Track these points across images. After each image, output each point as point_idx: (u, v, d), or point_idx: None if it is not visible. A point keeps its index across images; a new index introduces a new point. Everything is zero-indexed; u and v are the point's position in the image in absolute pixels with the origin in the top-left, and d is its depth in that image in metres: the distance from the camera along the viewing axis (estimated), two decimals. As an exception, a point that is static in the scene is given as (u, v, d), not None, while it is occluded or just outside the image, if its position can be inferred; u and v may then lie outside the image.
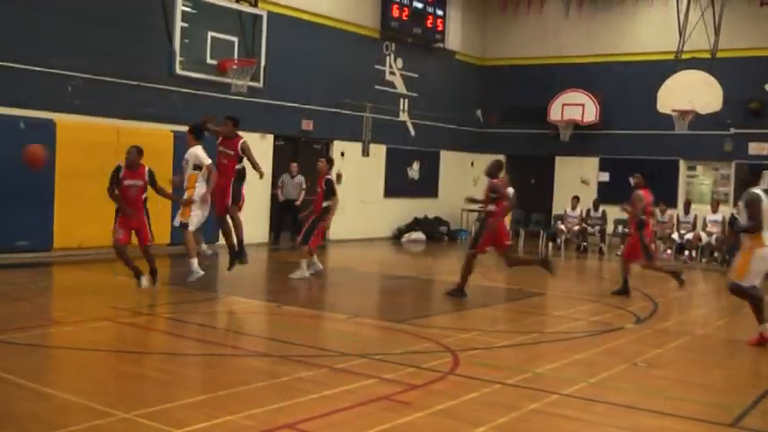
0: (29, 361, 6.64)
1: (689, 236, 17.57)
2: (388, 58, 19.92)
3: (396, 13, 19.38)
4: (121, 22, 13.87)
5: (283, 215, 16.81)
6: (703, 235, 17.55)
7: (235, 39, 15.60)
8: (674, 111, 17.49)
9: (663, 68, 18.07)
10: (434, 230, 20.37)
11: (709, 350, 8.45)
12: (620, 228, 18.50)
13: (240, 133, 11.23)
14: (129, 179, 9.88)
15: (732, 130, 18.77)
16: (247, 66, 15.33)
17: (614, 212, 18.03)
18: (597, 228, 18.90)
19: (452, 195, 20.85)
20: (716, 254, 17.32)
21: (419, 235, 20.21)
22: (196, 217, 10.40)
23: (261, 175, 10.95)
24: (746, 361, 8.09)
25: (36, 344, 7.19)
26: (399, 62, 20.19)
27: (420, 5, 20.14)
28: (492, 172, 10.98)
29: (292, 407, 5.51)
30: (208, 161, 10.39)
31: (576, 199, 19.23)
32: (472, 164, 22.36)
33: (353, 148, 19.11)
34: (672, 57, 18.16)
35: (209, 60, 15.15)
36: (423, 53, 20.75)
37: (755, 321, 8.42)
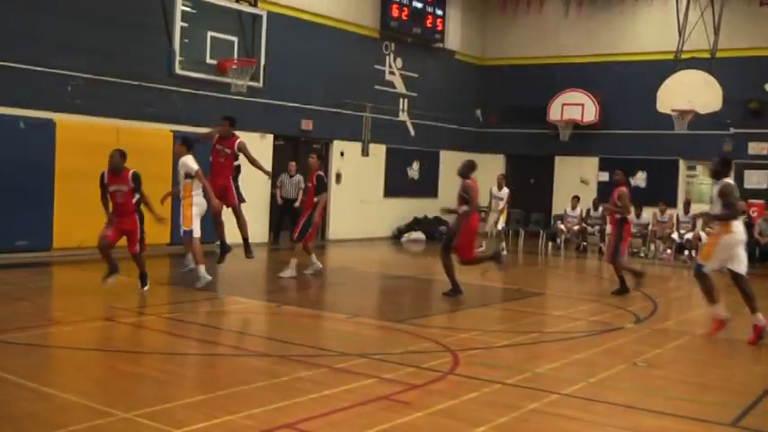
0: (29, 361, 6.64)
1: (689, 236, 17.56)
2: (387, 57, 19.92)
3: (395, 12, 19.38)
4: (121, 22, 13.87)
5: (283, 215, 16.81)
6: (703, 235, 17.52)
7: (234, 38, 15.61)
8: (673, 110, 17.49)
9: (662, 68, 18.07)
10: (434, 230, 20.34)
11: (708, 350, 8.44)
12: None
13: (240, 133, 11.25)
14: (113, 185, 9.58)
15: (732, 130, 18.77)
16: (247, 65, 15.33)
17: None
18: (597, 227, 18.88)
19: (452, 195, 20.53)
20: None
21: (419, 235, 20.21)
22: (198, 224, 10.60)
23: (269, 176, 10.95)
24: (746, 361, 8.08)
25: (36, 344, 7.19)
26: (399, 62, 20.19)
27: (420, 5, 20.15)
28: (464, 172, 10.97)
29: (292, 407, 5.51)
30: (195, 167, 10.51)
31: (575, 199, 19.21)
32: (472, 164, 22.34)
33: (353, 147, 19.11)
34: (671, 56, 18.17)
35: (208, 60, 15.16)
36: (422, 53, 20.75)
37: (756, 321, 8.42)
